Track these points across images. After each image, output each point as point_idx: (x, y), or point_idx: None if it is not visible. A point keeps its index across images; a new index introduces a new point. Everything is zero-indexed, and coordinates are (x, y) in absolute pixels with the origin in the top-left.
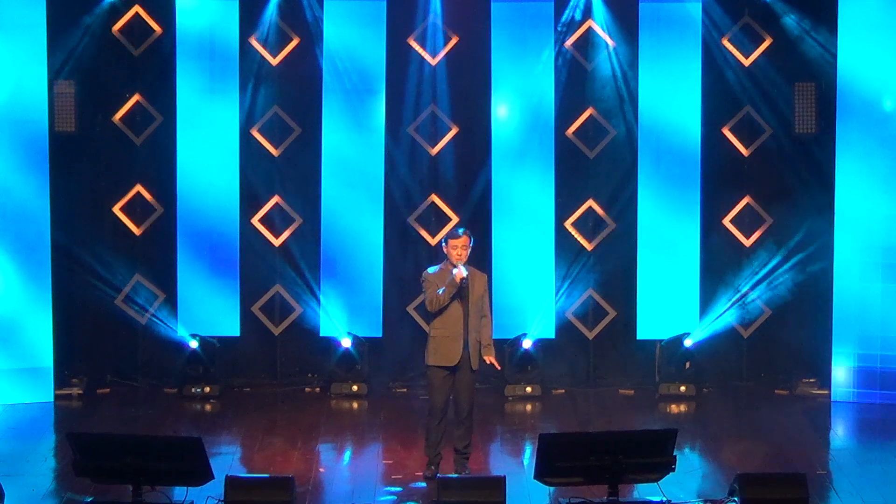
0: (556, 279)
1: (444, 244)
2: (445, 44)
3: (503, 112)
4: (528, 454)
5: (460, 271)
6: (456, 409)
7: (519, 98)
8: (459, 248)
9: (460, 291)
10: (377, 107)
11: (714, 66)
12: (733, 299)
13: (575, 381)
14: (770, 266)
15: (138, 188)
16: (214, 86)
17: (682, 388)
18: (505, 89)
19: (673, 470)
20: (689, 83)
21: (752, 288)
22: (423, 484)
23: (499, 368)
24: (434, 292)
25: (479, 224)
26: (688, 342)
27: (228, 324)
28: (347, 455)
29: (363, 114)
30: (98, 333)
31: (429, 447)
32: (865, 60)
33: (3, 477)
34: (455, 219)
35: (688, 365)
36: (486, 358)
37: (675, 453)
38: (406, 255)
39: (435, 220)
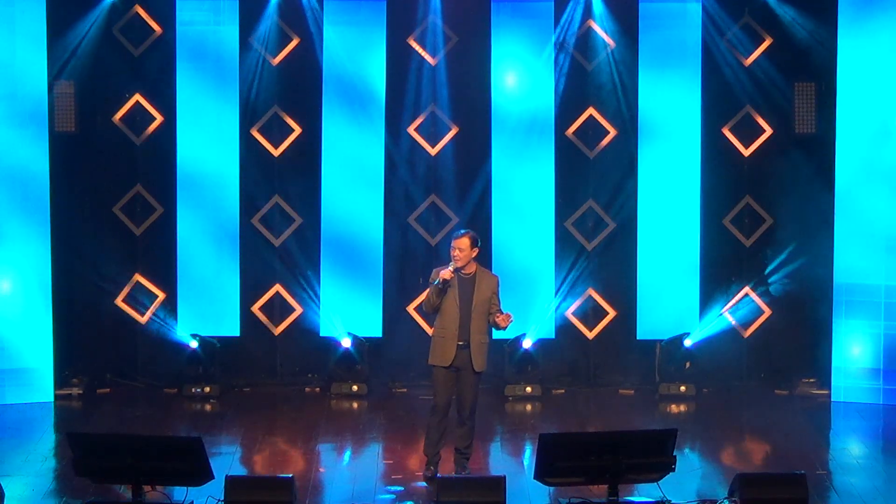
0: (556, 279)
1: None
2: (445, 44)
3: (503, 111)
4: (528, 454)
5: (445, 272)
6: (458, 409)
7: (519, 98)
8: (456, 250)
9: (462, 294)
10: (377, 107)
11: (714, 66)
12: (733, 299)
13: (575, 381)
14: (770, 266)
15: (138, 188)
16: (214, 86)
17: (682, 388)
18: (505, 89)
19: (673, 470)
20: (689, 83)
21: (752, 288)
22: (423, 484)
23: (510, 321)
24: (429, 292)
25: (479, 224)
26: (688, 342)
27: (228, 324)
28: (347, 455)
29: (363, 114)
30: (98, 333)
31: (428, 445)
32: (865, 60)
33: (3, 477)
34: (455, 219)
35: (688, 365)
36: (496, 318)
37: (675, 453)
38: (406, 255)
39: (435, 220)
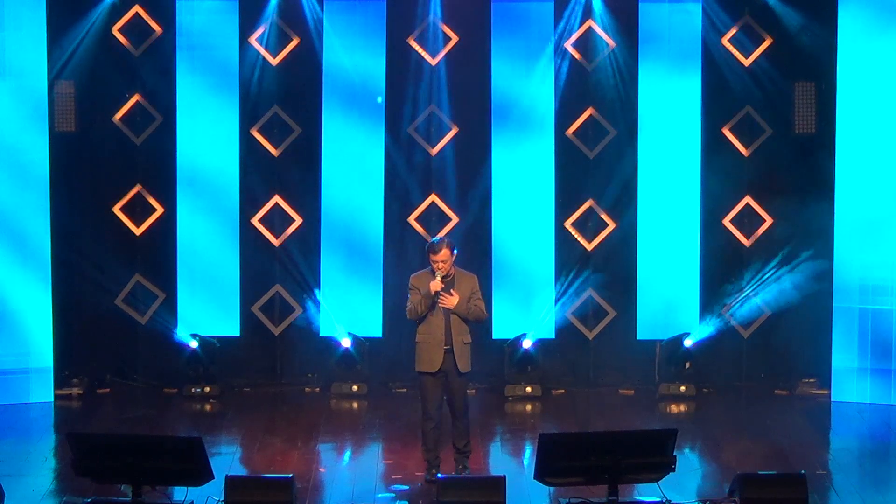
0: (556, 279)
1: (427, 253)
2: (445, 44)
3: (503, 111)
4: (528, 454)
5: (435, 283)
6: (450, 412)
7: (519, 98)
8: (439, 263)
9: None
10: (377, 106)
11: (714, 66)
12: (733, 299)
13: (575, 381)
14: (770, 266)
15: (138, 188)
16: (214, 86)
17: (682, 388)
18: (505, 89)
19: (673, 470)
20: (689, 83)
21: (753, 288)
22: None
23: (452, 300)
24: (414, 301)
25: (479, 224)
26: (688, 342)
27: (228, 324)
28: (347, 455)
29: (363, 114)
30: (98, 333)
31: (426, 451)
32: (865, 60)
33: (3, 477)
34: (455, 219)
35: (688, 365)
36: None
37: (675, 453)
38: (406, 255)
39: (435, 220)
